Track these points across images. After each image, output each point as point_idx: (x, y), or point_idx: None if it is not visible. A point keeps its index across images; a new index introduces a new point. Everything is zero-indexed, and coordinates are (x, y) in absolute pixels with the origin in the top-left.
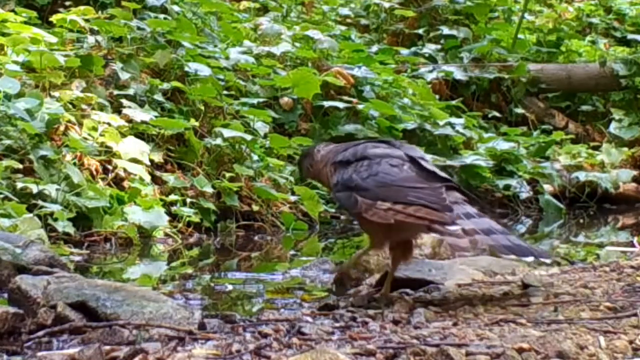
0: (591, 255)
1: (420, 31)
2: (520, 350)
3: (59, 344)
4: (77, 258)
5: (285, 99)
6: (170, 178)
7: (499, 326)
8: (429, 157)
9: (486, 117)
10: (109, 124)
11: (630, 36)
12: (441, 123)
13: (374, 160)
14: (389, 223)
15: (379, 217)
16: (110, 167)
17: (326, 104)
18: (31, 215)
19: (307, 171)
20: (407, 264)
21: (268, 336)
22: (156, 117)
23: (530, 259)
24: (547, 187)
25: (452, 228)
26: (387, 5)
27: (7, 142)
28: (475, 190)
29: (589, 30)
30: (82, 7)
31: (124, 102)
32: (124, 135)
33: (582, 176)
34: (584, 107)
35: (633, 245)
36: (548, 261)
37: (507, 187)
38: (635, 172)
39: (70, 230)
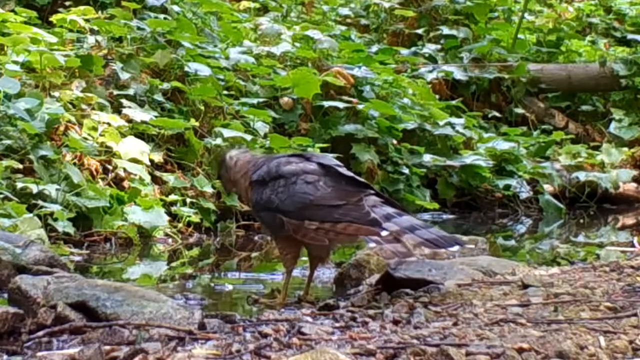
0: (591, 255)
1: (420, 31)
2: (520, 350)
3: (59, 344)
4: (77, 258)
5: (285, 99)
6: (170, 178)
7: (499, 326)
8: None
9: (486, 117)
10: (109, 124)
11: (630, 36)
12: (441, 123)
13: (290, 179)
14: (323, 244)
15: (310, 238)
16: (110, 167)
17: (326, 104)
18: (31, 215)
19: (225, 182)
20: (324, 266)
21: (268, 336)
22: (156, 117)
23: (456, 247)
24: (547, 187)
25: (383, 234)
26: (387, 5)
27: (7, 142)
28: (475, 190)
29: (589, 30)
30: (82, 7)
31: (124, 102)
32: (124, 135)
33: (582, 176)
34: (584, 107)
35: (633, 245)
36: (472, 245)
37: (507, 187)
38: (635, 172)
39: (70, 230)
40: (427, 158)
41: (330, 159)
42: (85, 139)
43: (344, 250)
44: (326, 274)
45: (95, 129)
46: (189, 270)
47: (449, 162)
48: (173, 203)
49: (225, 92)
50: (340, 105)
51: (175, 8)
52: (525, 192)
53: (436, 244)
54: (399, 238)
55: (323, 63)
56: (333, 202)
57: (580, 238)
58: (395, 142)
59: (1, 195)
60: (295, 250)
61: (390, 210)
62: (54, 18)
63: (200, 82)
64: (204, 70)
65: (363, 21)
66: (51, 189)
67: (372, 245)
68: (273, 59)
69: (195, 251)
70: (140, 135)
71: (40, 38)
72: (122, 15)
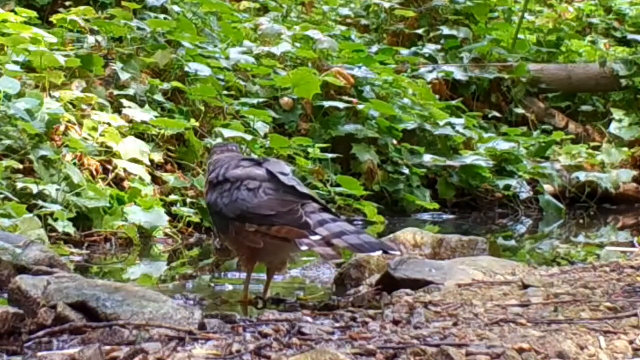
0: (591, 255)
1: (420, 31)
2: (520, 350)
3: (59, 344)
4: (77, 258)
5: (285, 99)
6: (170, 178)
7: (499, 326)
8: (289, 169)
9: (486, 117)
10: (109, 124)
11: (630, 36)
12: (441, 123)
13: (234, 183)
14: (258, 246)
15: (249, 240)
16: (110, 167)
17: (326, 104)
18: (31, 215)
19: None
20: (281, 274)
21: (268, 336)
22: (156, 117)
23: (379, 253)
24: (547, 187)
25: (314, 238)
26: (387, 5)
27: (7, 142)
28: (475, 190)
29: (589, 30)
30: (82, 7)
31: (124, 102)
32: (124, 135)
33: (582, 176)
34: (584, 107)
35: (633, 245)
36: (397, 253)
37: (507, 187)
38: (635, 172)
39: (70, 230)
40: (427, 158)
41: (280, 166)
42: (85, 139)
43: (344, 251)
44: (326, 274)
45: (95, 129)
46: (189, 270)
47: (449, 162)
48: (173, 203)
49: (225, 92)
50: (340, 105)
51: (175, 8)
52: (525, 192)
53: (359, 249)
54: (329, 242)
55: (323, 63)
56: (265, 212)
57: (580, 238)
58: (395, 142)
59: (1, 195)
60: (249, 251)
61: (326, 216)
62: (54, 18)
63: (200, 82)
64: (204, 70)
65: (363, 21)
66: (51, 189)
67: (304, 248)
68: (273, 59)
69: (195, 251)
70: (140, 135)
71: (40, 38)
72: (122, 15)
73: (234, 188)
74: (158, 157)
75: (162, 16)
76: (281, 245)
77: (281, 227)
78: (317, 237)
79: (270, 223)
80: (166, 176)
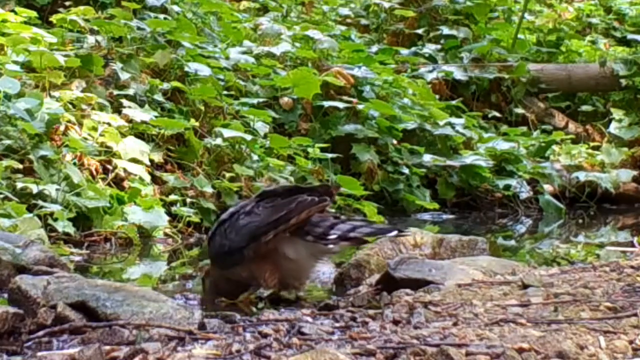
0: (591, 255)
1: (420, 31)
2: (520, 350)
3: (59, 344)
4: (77, 258)
5: (285, 99)
6: (170, 178)
7: (499, 326)
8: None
9: (486, 117)
10: (109, 124)
11: (630, 36)
12: (441, 123)
13: (231, 218)
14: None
15: (271, 247)
16: (110, 167)
17: (326, 104)
18: (31, 215)
19: None
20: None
21: (268, 336)
22: (156, 117)
23: (394, 233)
24: (547, 187)
25: (331, 237)
26: (387, 5)
27: (7, 142)
28: (475, 190)
29: (589, 30)
30: (82, 7)
31: (124, 102)
32: (124, 135)
33: (582, 176)
34: (584, 107)
35: (633, 245)
36: (410, 233)
37: (507, 187)
38: (635, 172)
39: (70, 230)
40: (427, 158)
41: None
42: (85, 139)
43: (344, 250)
44: (326, 274)
45: (95, 129)
46: (189, 270)
47: (449, 162)
48: (173, 203)
49: (225, 92)
50: (340, 105)
51: (175, 8)
52: (525, 192)
53: (375, 234)
54: (347, 237)
55: (323, 63)
56: (275, 217)
57: (580, 238)
58: (395, 142)
59: (1, 195)
60: (270, 266)
61: (331, 219)
62: (54, 18)
63: (200, 82)
64: (204, 70)
65: (363, 21)
66: (51, 189)
67: (332, 246)
68: (273, 59)
69: (195, 251)
70: (140, 135)
71: (40, 38)
72: (122, 15)
73: (233, 221)
74: (158, 157)
75: (162, 16)
76: (302, 247)
77: (299, 216)
78: (334, 236)
79: (286, 220)
80: (166, 176)
